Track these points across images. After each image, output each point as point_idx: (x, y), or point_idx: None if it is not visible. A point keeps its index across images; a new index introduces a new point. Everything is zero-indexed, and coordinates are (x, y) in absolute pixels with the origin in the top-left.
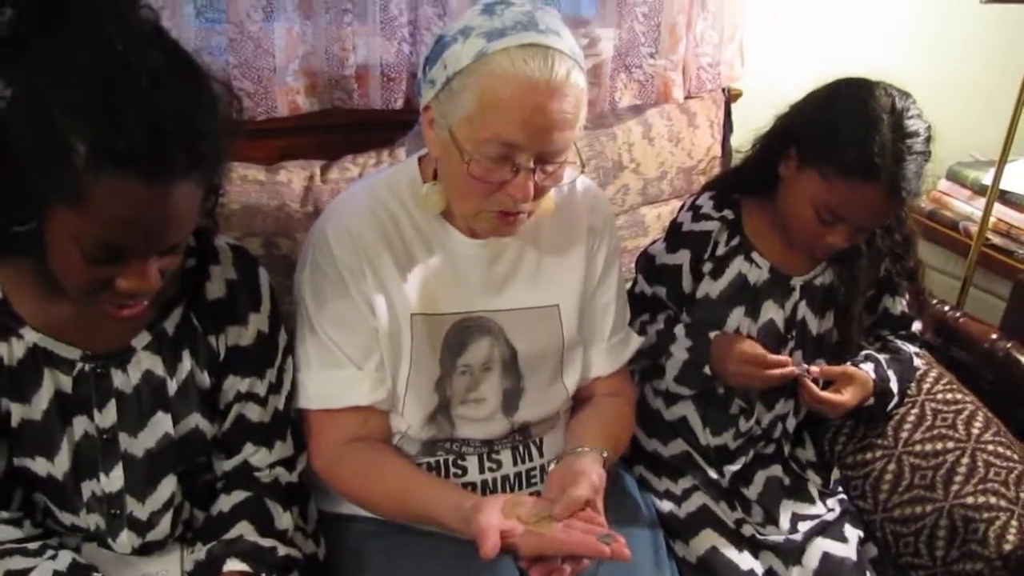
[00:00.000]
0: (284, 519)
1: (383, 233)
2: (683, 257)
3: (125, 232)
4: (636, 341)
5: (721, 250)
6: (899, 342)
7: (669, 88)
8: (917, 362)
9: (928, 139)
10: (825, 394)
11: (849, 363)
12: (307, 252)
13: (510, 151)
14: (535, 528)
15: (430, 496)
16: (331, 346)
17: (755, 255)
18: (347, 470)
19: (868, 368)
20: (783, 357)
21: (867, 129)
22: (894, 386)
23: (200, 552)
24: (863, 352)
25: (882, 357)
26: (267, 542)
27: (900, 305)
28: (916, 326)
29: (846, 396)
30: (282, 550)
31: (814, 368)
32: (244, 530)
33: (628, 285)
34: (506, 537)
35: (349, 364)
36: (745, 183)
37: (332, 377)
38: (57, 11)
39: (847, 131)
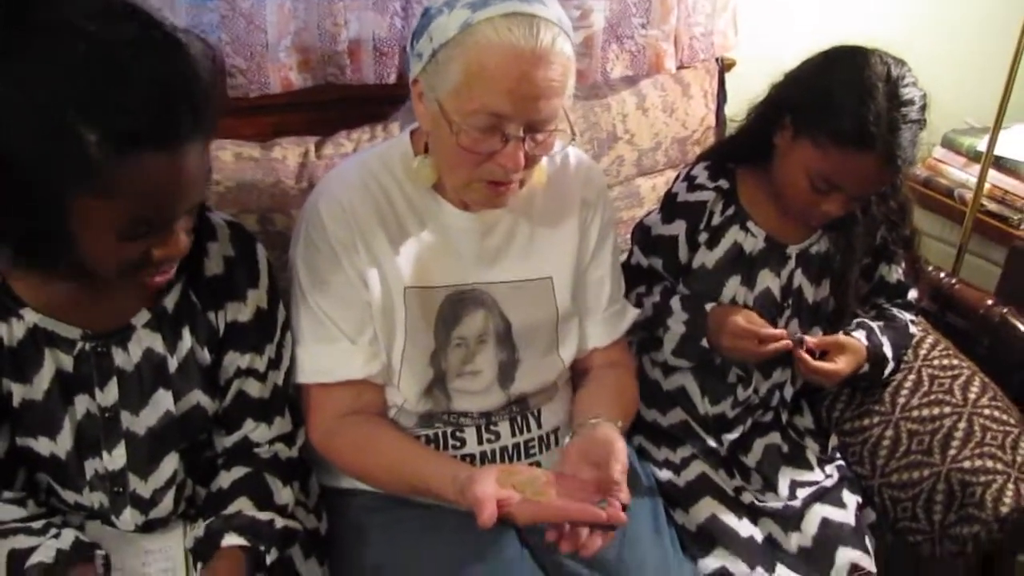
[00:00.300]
0: (284, 494)
1: (375, 207)
2: (679, 228)
3: (155, 203)
4: (632, 313)
5: (716, 220)
6: (895, 310)
7: (661, 59)
8: (913, 329)
9: (923, 107)
10: (819, 364)
11: (841, 332)
12: (300, 227)
13: (498, 121)
14: (532, 497)
15: (425, 468)
16: (325, 320)
17: (750, 224)
18: (343, 443)
19: (860, 335)
20: (777, 331)
21: (862, 97)
22: (888, 351)
23: (199, 528)
24: (855, 320)
25: (875, 324)
26: (265, 515)
27: (896, 273)
28: (912, 294)
29: (840, 364)
30: (280, 522)
31: (809, 339)
32: (243, 505)
33: (624, 257)
34: (502, 506)
35: (343, 338)
36: (740, 152)
37: (326, 351)
38: (18, 12)
39: (842, 100)
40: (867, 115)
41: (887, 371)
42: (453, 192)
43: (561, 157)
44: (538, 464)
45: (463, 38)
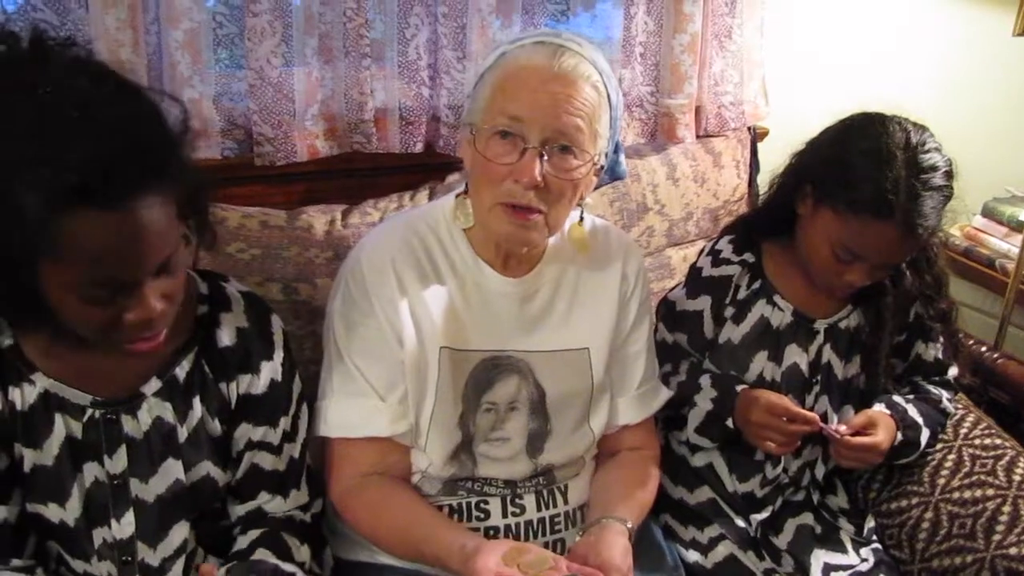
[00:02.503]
0: (303, 551)
1: (416, 264)
2: (704, 303)
3: (108, 265)
4: (665, 393)
5: (743, 294)
6: (930, 386)
7: (673, 127)
8: (947, 405)
9: (948, 173)
10: (859, 439)
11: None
12: (340, 280)
13: (516, 127)
14: None
15: (435, 534)
16: (356, 375)
17: (777, 298)
18: (360, 503)
19: (879, 407)
20: (809, 413)
21: (880, 166)
22: (917, 417)
23: (220, 572)
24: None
25: (896, 397)
26: (288, 567)
27: (933, 351)
28: (952, 371)
29: (879, 436)
30: None
31: (842, 427)
32: (263, 555)
33: None
34: None
35: (372, 394)
36: (764, 225)
37: (353, 405)
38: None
39: (860, 169)
40: (885, 183)
41: (922, 438)
42: (481, 228)
43: (602, 231)
44: (563, 541)
45: (497, 63)
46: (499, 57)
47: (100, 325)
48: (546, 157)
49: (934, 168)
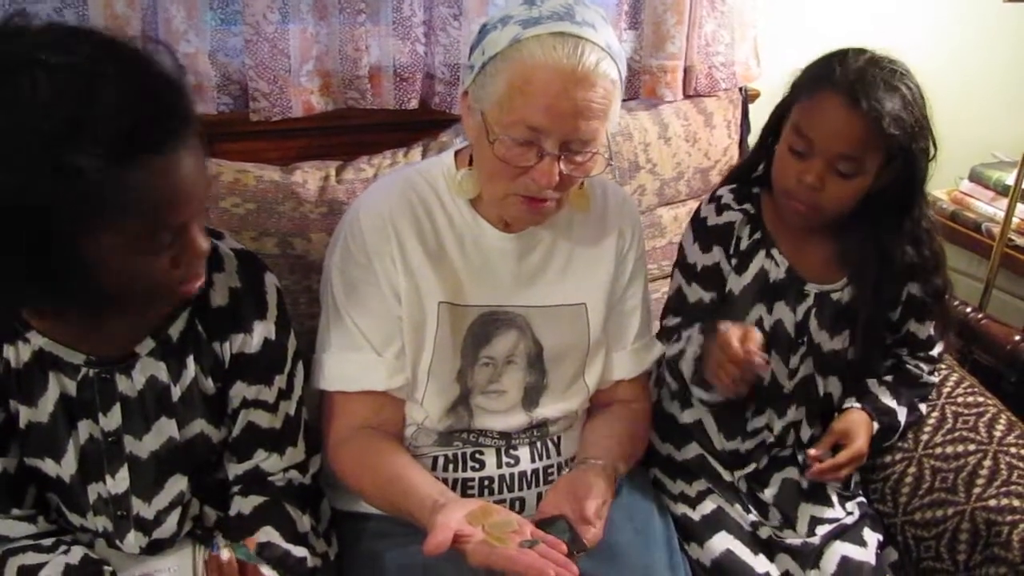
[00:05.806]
0: (304, 521)
1: (415, 220)
2: (719, 255)
3: (168, 208)
4: (658, 348)
5: (744, 244)
6: (911, 364)
7: (654, 86)
8: (929, 378)
9: (913, 92)
10: (838, 459)
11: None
12: (339, 235)
13: (535, 135)
14: (492, 540)
15: (412, 487)
16: (354, 330)
17: (775, 251)
18: (348, 455)
19: (850, 402)
20: (753, 358)
21: (839, 54)
22: (890, 402)
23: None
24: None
25: (871, 385)
26: (298, 551)
27: (927, 329)
28: (937, 349)
29: (857, 442)
30: (311, 561)
31: (812, 451)
32: (271, 535)
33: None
34: (464, 540)
35: (369, 349)
36: (758, 169)
37: (351, 359)
38: None
39: (823, 59)
40: (836, 62)
41: (901, 419)
42: (490, 205)
43: (598, 186)
44: (522, 499)
45: (511, 52)
46: (513, 45)
47: (158, 279)
48: (562, 157)
49: (892, 71)
